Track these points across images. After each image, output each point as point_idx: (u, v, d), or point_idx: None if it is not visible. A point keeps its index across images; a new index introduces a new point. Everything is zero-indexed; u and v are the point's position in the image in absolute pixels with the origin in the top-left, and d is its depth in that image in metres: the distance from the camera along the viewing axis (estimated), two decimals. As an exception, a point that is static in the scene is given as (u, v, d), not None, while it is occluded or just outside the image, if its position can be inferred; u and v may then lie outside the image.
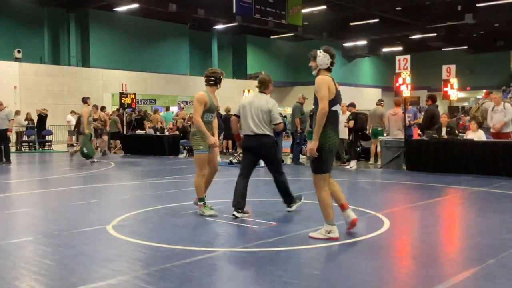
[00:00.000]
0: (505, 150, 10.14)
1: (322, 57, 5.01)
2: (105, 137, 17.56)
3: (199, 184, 6.25)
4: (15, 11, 28.15)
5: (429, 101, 12.22)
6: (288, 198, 6.38)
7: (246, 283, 3.75)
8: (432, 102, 12.14)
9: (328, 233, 4.95)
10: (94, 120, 15.89)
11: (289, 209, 6.39)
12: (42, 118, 21.45)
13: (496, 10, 29.42)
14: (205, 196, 6.35)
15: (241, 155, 13.61)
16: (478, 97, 29.04)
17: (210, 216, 6.12)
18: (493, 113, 11.23)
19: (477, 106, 12.70)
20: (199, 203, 6.30)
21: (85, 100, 14.29)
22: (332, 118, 4.93)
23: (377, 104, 13.53)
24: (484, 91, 18.15)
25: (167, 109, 24.55)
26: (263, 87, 6.34)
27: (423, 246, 4.83)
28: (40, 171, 12.75)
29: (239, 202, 6.05)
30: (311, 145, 4.88)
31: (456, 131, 12.13)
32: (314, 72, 5.09)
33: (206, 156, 6.30)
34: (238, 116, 6.33)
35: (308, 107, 14.14)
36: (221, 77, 6.40)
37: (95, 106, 16.82)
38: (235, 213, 6.03)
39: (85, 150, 13.98)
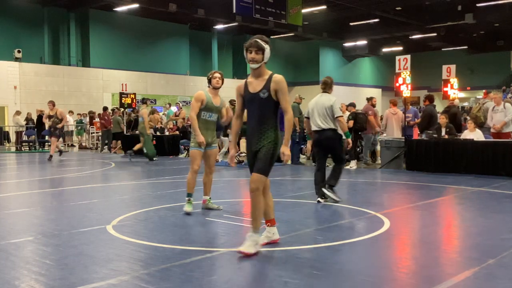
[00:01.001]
0: (505, 150, 10.15)
1: (268, 50, 4.48)
2: (54, 139, 15.43)
3: (189, 179, 6.49)
4: (15, 11, 28.16)
5: (426, 101, 12.25)
6: (331, 182, 7.22)
7: (246, 283, 3.75)
8: (430, 102, 12.16)
9: (273, 234, 4.78)
10: (50, 117, 15.03)
11: (326, 191, 7.10)
12: (42, 118, 21.45)
13: (496, 10, 29.42)
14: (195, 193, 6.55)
15: (241, 155, 13.73)
16: (478, 97, 29.02)
17: (186, 213, 6.32)
18: (493, 113, 11.23)
19: (478, 106, 12.71)
20: (186, 197, 6.47)
21: (144, 101, 14.77)
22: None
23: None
24: (483, 91, 18.17)
25: (169, 105, 24.56)
26: (326, 87, 7.27)
27: (423, 246, 4.83)
28: (40, 171, 12.75)
29: (320, 190, 7.11)
30: (288, 151, 4.44)
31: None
32: (255, 66, 4.45)
33: (196, 152, 6.49)
34: (308, 118, 7.37)
35: (305, 106, 14.17)
36: (209, 77, 6.57)
37: (51, 102, 15.44)
38: (319, 199, 7.13)
39: (145, 150, 14.50)
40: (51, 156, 15.09)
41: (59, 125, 15.17)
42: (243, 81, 4.64)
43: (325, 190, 7.08)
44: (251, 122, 4.53)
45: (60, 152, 16.25)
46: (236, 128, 4.77)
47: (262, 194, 4.44)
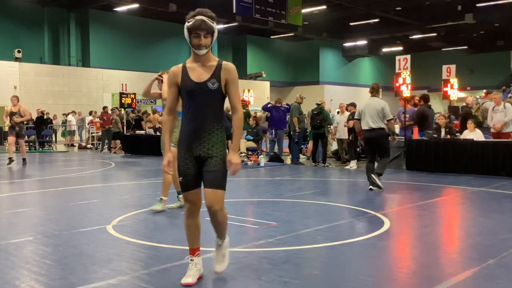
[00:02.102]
0: (505, 150, 10.14)
1: (216, 30, 3.62)
2: (21, 141, 13.71)
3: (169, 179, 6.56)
4: (15, 11, 28.16)
5: (421, 101, 12.27)
6: (379, 171, 8.29)
7: (246, 283, 3.75)
8: (424, 102, 12.17)
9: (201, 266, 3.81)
10: (12, 114, 12.98)
11: (374, 178, 8.15)
12: (41, 118, 21.47)
13: (496, 10, 29.41)
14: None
15: (241, 155, 13.73)
16: (476, 96, 29.01)
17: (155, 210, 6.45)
18: (493, 113, 11.23)
19: (477, 106, 12.70)
20: (163, 198, 6.54)
21: None
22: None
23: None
24: (484, 91, 18.17)
25: None
26: (374, 92, 8.58)
27: (423, 246, 4.83)
28: (40, 171, 12.74)
29: (371, 178, 8.18)
30: (238, 160, 3.58)
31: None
32: (203, 52, 3.51)
33: (175, 151, 6.47)
34: (358, 119, 8.44)
35: (305, 106, 14.18)
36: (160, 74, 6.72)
37: (15, 97, 13.33)
38: (371, 187, 8.18)
39: None
40: (24, 159, 13.49)
41: (18, 120, 12.90)
42: (179, 66, 3.64)
43: (374, 176, 8.10)
44: (192, 120, 3.56)
45: (10, 160, 13.15)
46: (170, 125, 3.72)
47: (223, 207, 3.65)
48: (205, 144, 3.56)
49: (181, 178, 3.62)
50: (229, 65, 3.62)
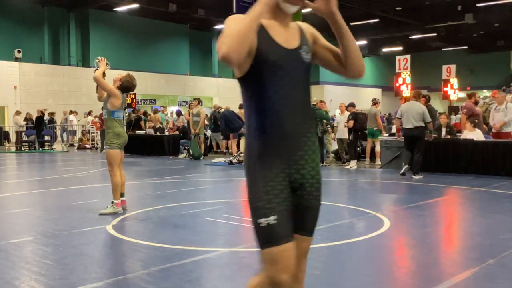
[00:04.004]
0: (505, 150, 10.14)
1: None
2: None
3: (118, 182, 6.50)
4: (15, 11, 28.15)
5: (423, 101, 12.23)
6: (415, 169, 9.95)
7: (246, 283, 3.74)
8: (426, 101, 12.12)
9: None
10: None
11: (414, 176, 9.87)
12: (41, 118, 21.47)
13: (496, 10, 29.40)
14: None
15: (241, 155, 13.71)
16: (481, 96, 29.00)
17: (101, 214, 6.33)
18: (495, 112, 11.16)
19: (485, 107, 12.62)
20: (116, 201, 6.46)
21: (199, 101, 15.32)
22: None
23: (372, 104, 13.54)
24: (494, 90, 18.13)
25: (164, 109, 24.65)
26: (416, 97, 10.19)
27: (423, 246, 4.83)
28: (40, 171, 12.75)
29: (412, 167, 9.98)
30: None
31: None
32: (294, 9, 2.14)
33: (119, 153, 6.49)
34: (399, 118, 10.20)
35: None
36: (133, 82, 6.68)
37: None
38: (413, 176, 9.93)
39: (191, 151, 14.90)
40: None
41: None
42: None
43: (406, 168, 9.93)
44: (281, 116, 2.05)
45: None
46: None
47: None
48: (307, 159, 2.11)
49: (272, 217, 2.00)
50: (304, 23, 2.32)
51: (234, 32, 1.93)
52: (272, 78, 2.03)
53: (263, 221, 2.00)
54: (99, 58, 6.66)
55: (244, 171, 2.21)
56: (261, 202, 2.02)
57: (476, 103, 12.19)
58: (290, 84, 2.06)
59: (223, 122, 15.13)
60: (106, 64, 6.57)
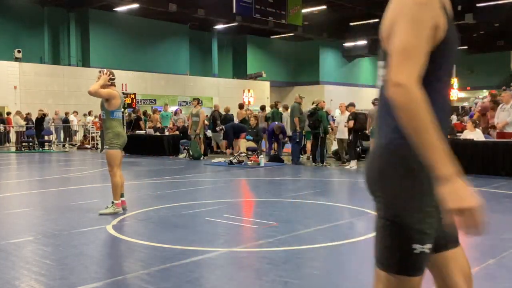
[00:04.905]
0: (505, 150, 10.14)
1: None
2: None
3: (118, 182, 6.48)
4: (15, 11, 28.16)
5: None
6: None
7: (246, 283, 3.75)
8: None
9: None
10: None
11: None
12: (41, 119, 21.46)
13: (496, 10, 29.41)
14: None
15: (241, 155, 13.72)
16: (477, 96, 29.00)
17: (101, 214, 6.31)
18: (500, 111, 11.11)
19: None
20: (116, 201, 6.44)
21: (199, 101, 15.17)
22: None
23: (373, 104, 13.52)
24: (503, 88, 18.09)
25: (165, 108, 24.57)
26: None
27: (423, 246, 4.82)
28: (40, 171, 12.75)
29: None
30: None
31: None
32: None
33: (120, 153, 6.50)
34: None
35: (305, 106, 14.17)
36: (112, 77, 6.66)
37: None
38: None
39: (191, 152, 14.84)
40: None
41: None
42: None
43: None
44: (446, 111, 1.88)
45: None
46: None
47: None
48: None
49: (429, 245, 1.81)
50: None
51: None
52: (447, 65, 1.76)
53: (418, 248, 1.77)
54: (104, 71, 6.58)
55: (392, 174, 1.85)
56: (422, 225, 1.74)
57: (495, 102, 12.06)
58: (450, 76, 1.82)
59: (231, 132, 15.53)
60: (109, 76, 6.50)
